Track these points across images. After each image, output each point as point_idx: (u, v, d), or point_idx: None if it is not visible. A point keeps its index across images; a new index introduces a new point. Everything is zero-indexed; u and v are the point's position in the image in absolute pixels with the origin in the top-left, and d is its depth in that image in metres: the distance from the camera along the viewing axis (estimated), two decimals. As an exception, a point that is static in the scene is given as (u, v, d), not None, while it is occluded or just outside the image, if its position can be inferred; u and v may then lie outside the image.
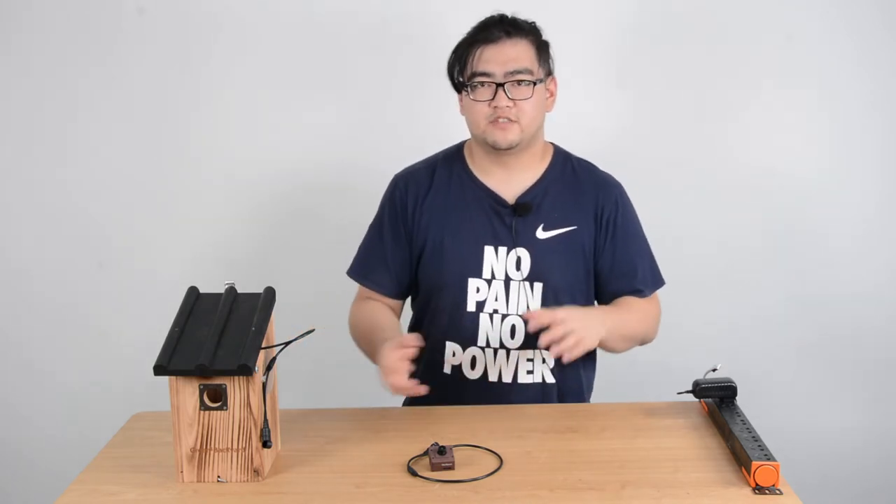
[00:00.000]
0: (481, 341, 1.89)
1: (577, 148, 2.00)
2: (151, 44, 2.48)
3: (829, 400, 2.63)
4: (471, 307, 1.88)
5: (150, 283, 2.58)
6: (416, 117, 2.49)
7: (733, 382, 1.71)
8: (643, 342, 1.94)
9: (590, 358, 2.00)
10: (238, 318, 1.52)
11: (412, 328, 2.00)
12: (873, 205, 2.55)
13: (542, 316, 1.67)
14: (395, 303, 1.98)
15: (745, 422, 1.60)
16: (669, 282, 2.55)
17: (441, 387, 1.87)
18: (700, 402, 1.77)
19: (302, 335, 1.63)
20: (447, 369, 1.92)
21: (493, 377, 1.90)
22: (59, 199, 2.56)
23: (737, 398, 1.70)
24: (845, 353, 2.60)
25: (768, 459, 1.44)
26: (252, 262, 2.52)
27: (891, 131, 2.52)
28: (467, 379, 1.90)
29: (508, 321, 1.88)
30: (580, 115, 2.37)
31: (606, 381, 2.45)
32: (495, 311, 1.87)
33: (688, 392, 1.74)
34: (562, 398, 1.93)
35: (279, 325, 1.62)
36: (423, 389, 1.67)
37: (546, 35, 1.88)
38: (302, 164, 2.54)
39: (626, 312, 1.88)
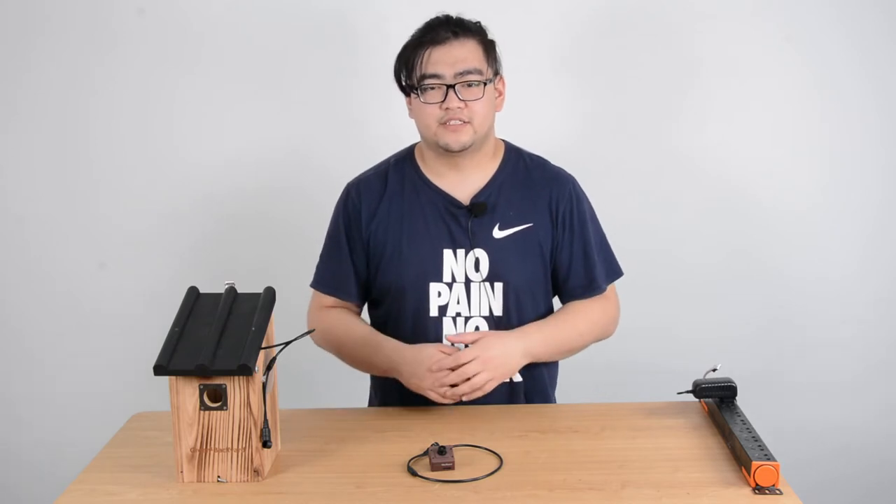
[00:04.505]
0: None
1: (533, 145, 1.98)
2: (151, 44, 2.48)
3: (829, 400, 2.63)
4: (433, 312, 1.86)
5: (150, 283, 2.58)
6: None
7: (733, 382, 1.71)
8: (597, 341, 1.93)
9: None
10: (238, 318, 1.52)
11: None
12: (874, 206, 2.55)
13: (446, 361, 1.71)
14: (358, 309, 1.97)
15: (745, 422, 1.60)
16: (671, 283, 2.56)
17: (409, 394, 1.84)
18: (700, 402, 1.77)
19: (302, 335, 1.63)
20: None
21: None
22: (60, 199, 2.56)
23: (737, 398, 1.70)
24: (845, 353, 2.60)
25: (768, 459, 1.44)
26: (252, 262, 2.52)
27: (891, 133, 2.51)
28: None
29: (472, 323, 1.86)
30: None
31: (606, 382, 2.46)
32: (458, 314, 1.86)
33: (688, 392, 1.74)
34: (529, 396, 1.91)
35: (279, 325, 1.62)
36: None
37: (493, 34, 1.85)
38: (305, 165, 2.54)
39: (564, 325, 1.86)
